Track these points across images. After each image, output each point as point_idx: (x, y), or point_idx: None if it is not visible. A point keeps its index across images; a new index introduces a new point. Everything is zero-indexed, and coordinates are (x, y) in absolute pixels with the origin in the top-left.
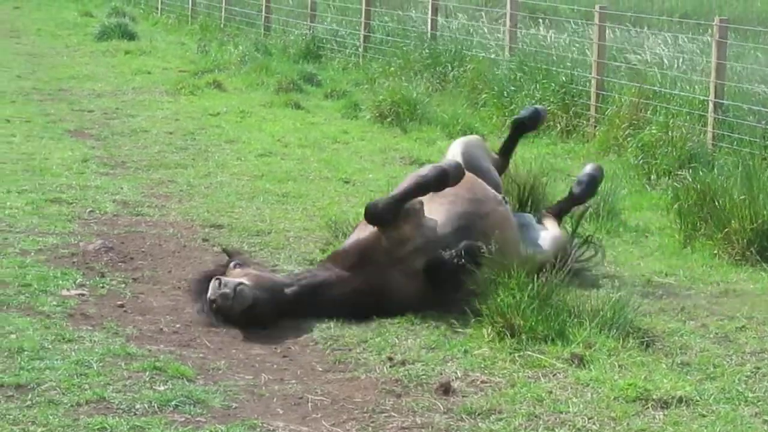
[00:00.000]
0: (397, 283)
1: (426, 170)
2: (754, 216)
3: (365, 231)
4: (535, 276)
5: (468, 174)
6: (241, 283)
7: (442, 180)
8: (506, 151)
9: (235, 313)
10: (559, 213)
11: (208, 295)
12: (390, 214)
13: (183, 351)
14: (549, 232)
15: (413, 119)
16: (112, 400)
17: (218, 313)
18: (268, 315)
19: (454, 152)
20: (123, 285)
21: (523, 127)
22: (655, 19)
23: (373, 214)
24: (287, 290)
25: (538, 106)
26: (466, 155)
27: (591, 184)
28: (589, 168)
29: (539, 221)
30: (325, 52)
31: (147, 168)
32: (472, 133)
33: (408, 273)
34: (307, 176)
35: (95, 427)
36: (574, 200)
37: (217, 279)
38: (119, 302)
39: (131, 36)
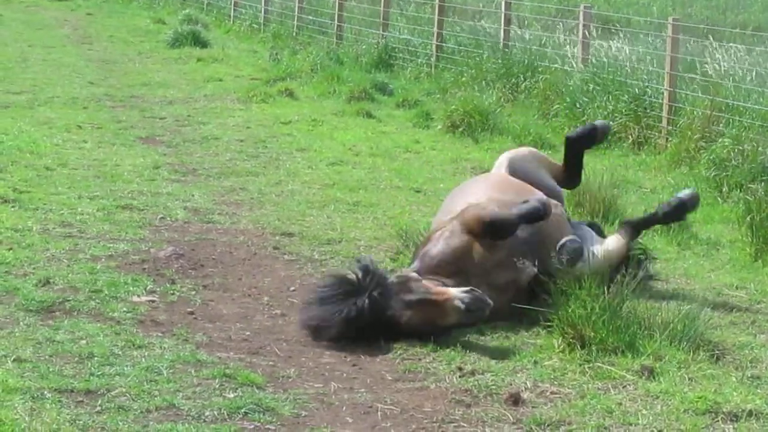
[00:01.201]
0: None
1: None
2: None
3: (455, 240)
4: (606, 288)
5: (519, 182)
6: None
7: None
8: (569, 167)
9: None
10: (637, 227)
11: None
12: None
13: (253, 358)
14: (602, 247)
15: (485, 129)
16: (181, 407)
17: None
18: None
19: (500, 164)
20: (193, 292)
21: (575, 145)
22: (728, 32)
23: (499, 228)
24: None
25: (599, 121)
26: (512, 167)
27: (678, 209)
28: (682, 192)
29: (602, 235)
30: (397, 62)
31: (218, 175)
32: (541, 145)
33: (495, 287)
34: (378, 185)
35: None
36: (656, 219)
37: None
38: (189, 309)
39: (203, 43)
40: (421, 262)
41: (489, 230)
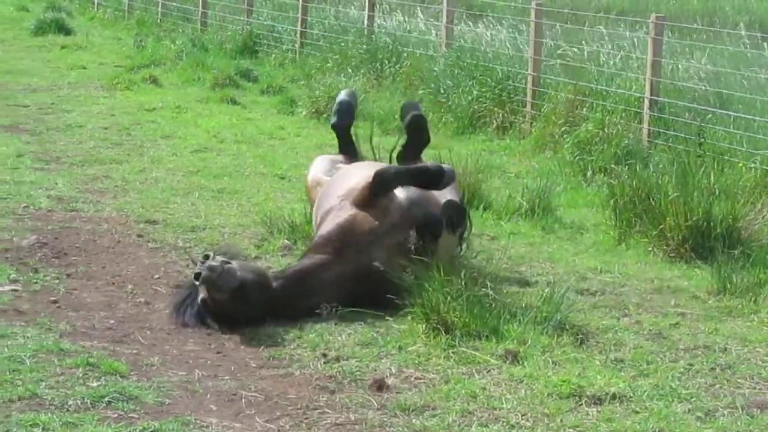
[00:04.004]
0: (382, 260)
1: (431, 165)
2: (689, 213)
3: (342, 215)
4: (461, 272)
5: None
6: (228, 262)
7: (440, 177)
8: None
9: (222, 292)
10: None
11: (195, 269)
12: (398, 184)
13: (116, 347)
14: None
15: None
16: (44, 396)
17: (206, 285)
18: (257, 302)
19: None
20: (57, 281)
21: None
22: (592, 16)
23: (384, 179)
24: (274, 284)
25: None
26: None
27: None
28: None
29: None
30: (261, 48)
31: (82, 163)
32: None
33: (390, 247)
34: (243, 172)
35: (28, 424)
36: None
37: (205, 256)
38: (53, 298)
39: (67, 31)
40: (311, 242)
41: (377, 182)
